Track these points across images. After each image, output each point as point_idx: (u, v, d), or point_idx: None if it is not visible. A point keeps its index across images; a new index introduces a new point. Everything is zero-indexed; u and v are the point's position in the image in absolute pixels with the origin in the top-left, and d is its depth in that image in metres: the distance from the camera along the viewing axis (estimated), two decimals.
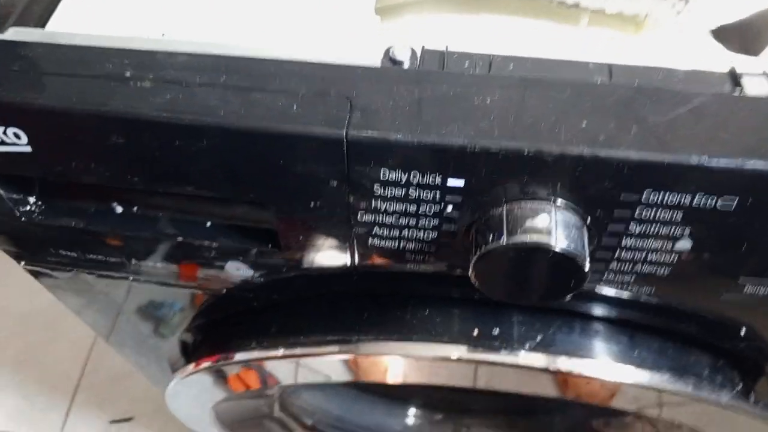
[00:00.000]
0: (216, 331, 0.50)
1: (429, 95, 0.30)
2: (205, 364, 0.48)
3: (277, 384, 0.48)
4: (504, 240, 0.29)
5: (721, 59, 0.42)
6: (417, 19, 0.54)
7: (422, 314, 0.40)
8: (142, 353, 0.58)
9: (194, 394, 0.52)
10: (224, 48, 0.32)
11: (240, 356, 0.46)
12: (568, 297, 0.32)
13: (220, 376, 0.49)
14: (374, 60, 0.33)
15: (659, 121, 0.28)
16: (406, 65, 0.33)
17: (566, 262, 0.30)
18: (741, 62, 0.33)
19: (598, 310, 0.40)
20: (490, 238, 0.30)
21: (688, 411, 0.44)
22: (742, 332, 0.41)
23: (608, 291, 0.36)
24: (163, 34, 0.35)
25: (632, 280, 0.34)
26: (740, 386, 0.44)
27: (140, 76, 0.31)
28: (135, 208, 0.38)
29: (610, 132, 0.28)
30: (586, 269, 0.30)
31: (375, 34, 0.42)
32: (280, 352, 0.43)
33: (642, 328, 0.41)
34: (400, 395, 0.71)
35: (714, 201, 0.28)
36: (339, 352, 0.40)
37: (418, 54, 0.33)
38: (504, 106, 0.29)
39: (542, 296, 0.32)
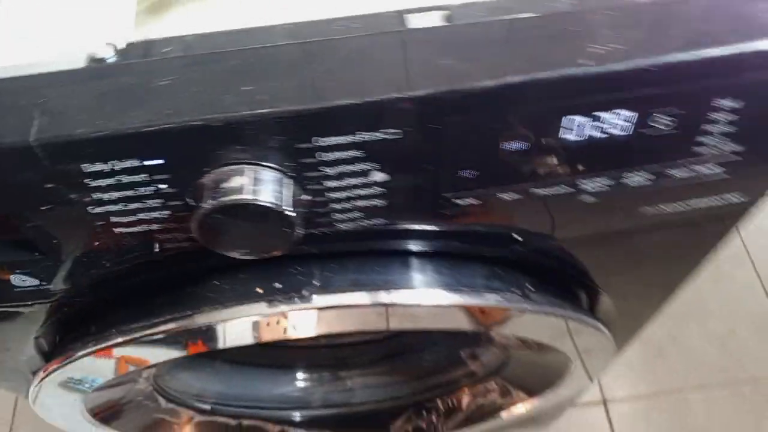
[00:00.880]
0: (62, 332, 0.52)
1: (113, 88, 0.32)
2: (53, 367, 0.51)
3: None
4: (209, 204, 0.32)
5: None
6: (189, 13, 0.56)
7: (209, 285, 0.43)
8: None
9: (57, 393, 0.54)
10: None
11: (80, 353, 0.49)
12: (293, 243, 0.35)
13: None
14: (78, 62, 0.35)
15: (314, 73, 0.31)
16: (109, 61, 0.35)
17: (269, 213, 0.33)
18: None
19: (372, 245, 0.44)
20: (200, 205, 0.33)
21: (508, 324, 0.49)
22: (517, 237, 0.45)
23: (354, 228, 0.40)
24: None
25: (359, 215, 0.38)
26: (531, 289, 0.49)
27: None
28: None
29: (271, 91, 0.31)
30: (290, 215, 0.33)
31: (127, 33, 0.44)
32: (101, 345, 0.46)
33: (418, 255, 0.45)
34: (283, 363, 0.75)
35: (382, 135, 0.32)
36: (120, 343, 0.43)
37: (122, 47, 0.36)
38: (177, 85, 0.32)
39: (269, 247, 0.35)
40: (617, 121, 0.33)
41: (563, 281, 0.54)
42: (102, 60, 0.35)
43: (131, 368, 0.51)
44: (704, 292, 1.22)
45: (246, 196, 0.32)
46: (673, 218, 0.43)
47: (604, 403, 1.13)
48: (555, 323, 0.49)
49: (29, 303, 0.45)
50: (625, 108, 0.33)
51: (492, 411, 0.76)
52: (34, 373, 0.55)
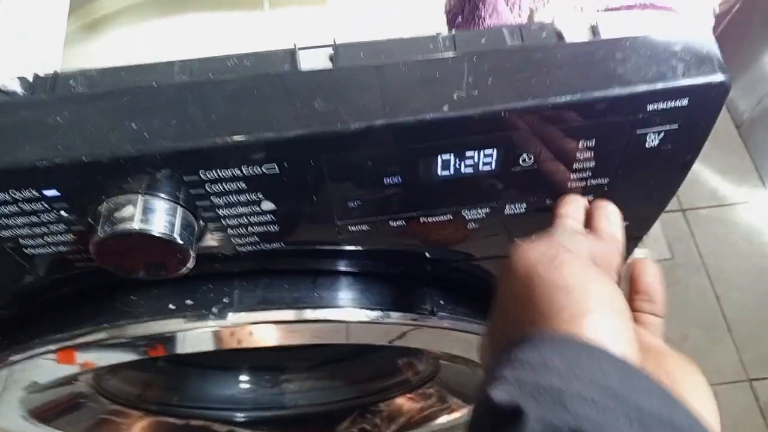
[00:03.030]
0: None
1: (13, 121, 0.34)
2: None
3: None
4: (102, 231, 0.35)
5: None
6: (128, 31, 0.58)
7: (126, 299, 0.46)
8: None
9: None
10: None
11: (9, 360, 0.51)
12: (186, 267, 0.38)
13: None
14: None
15: (196, 112, 0.34)
16: (17, 95, 0.37)
17: (160, 240, 0.35)
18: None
19: (281, 264, 0.46)
20: (96, 231, 0.35)
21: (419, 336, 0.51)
22: (427, 256, 0.47)
23: (256, 250, 0.42)
24: None
25: (256, 239, 0.40)
26: (441, 305, 0.52)
27: None
28: None
29: (153, 130, 0.33)
30: (180, 243, 0.36)
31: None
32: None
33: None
34: (228, 364, 0.77)
35: (261, 170, 0.35)
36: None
37: (31, 80, 0.38)
38: (72, 121, 0.34)
39: (165, 271, 0.38)
40: (487, 159, 0.36)
41: (486, 297, 0.57)
42: (12, 93, 0.37)
43: (65, 372, 0.53)
44: None
45: (136, 226, 0.35)
46: None
47: None
48: (461, 337, 0.52)
49: None
50: (492, 147, 0.35)
51: (432, 416, 0.79)
52: None
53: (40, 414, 0.63)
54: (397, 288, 0.50)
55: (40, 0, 0.48)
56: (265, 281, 0.46)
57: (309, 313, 0.46)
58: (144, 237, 0.35)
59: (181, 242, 0.36)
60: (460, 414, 0.76)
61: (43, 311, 0.49)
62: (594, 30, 0.37)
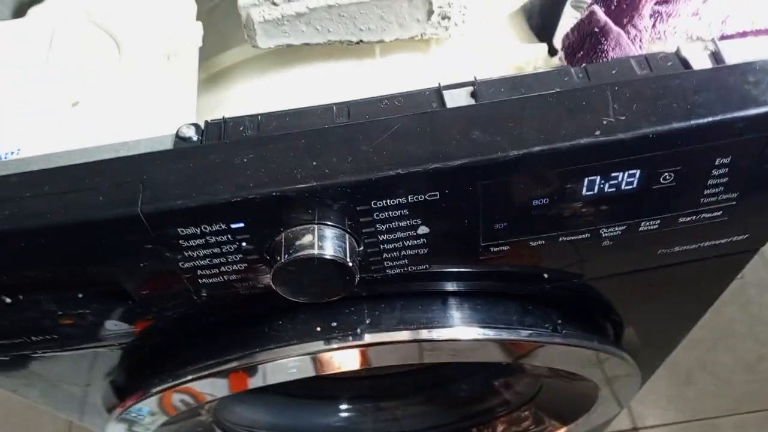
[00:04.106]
0: (134, 372, 0.59)
1: (202, 164, 0.39)
2: (131, 402, 0.57)
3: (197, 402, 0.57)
4: (284, 258, 0.39)
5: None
6: (247, 81, 0.63)
7: (274, 324, 0.49)
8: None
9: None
10: (47, 161, 0.41)
11: (157, 389, 0.55)
12: (352, 288, 0.41)
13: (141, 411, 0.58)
14: (167, 142, 0.42)
15: (367, 148, 0.38)
16: (193, 140, 0.42)
17: (334, 264, 0.39)
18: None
19: (416, 287, 0.49)
20: (277, 259, 0.39)
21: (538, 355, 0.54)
22: (545, 276, 0.50)
23: (401, 273, 0.45)
24: None
25: (405, 262, 0.43)
26: (560, 323, 0.54)
27: None
28: (20, 297, 0.46)
29: (333, 166, 0.37)
30: (350, 266, 0.39)
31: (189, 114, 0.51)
32: (175, 382, 0.53)
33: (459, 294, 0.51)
34: (328, 394, 0.80)
35: (425, 197, 0.38)
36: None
37: (202, 127, 0.42)
38: (256, 161, 0.38)
39: (332, 292, 0.41)
40: (630, 179, 0.39)
41: (590, 314, 0.59)
42: (188, 138, 0.42)
43: (198, 401, 0.57)
44: (732, 318, 1.24)
45: (314, 251, 0.38)
46: (688, 257, 0.48)
47: (635, 430, 1.16)
48: (583, 354, 0.54)
49: (117, 344, 0.51)
50: (637, 168, 0.38)
51: None
52: (110, 410, 0.61)
53: None
54: (520, 307, 0.52)
55: (178, 60, 0.54)
56: (400, 303, 0.50)
57: (444, 333, 0.49)
58: (320, 262, 0.39)
59: (350, 265, 0.40)
60: None
61: (191, 339, 0.53)
62: (717, 56, 0.40)
